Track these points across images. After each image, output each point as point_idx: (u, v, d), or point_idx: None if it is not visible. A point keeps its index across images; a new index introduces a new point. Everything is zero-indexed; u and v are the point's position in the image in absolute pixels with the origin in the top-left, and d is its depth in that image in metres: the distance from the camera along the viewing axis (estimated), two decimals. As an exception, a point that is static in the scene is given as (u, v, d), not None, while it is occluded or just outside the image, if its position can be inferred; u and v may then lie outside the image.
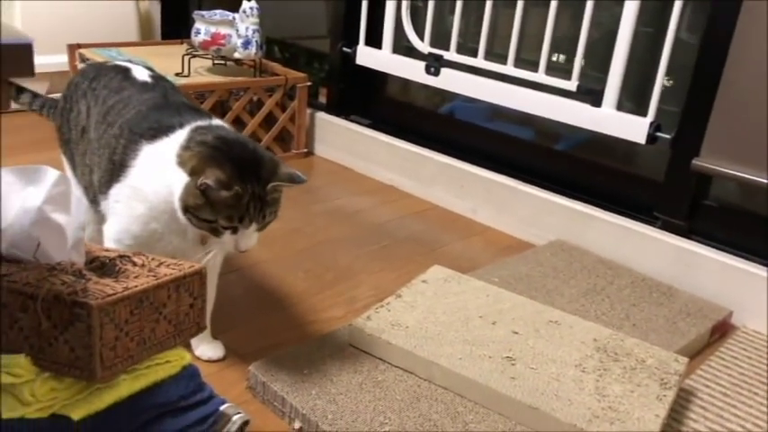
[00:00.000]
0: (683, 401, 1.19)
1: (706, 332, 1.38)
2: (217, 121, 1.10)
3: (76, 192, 0.83)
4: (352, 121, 2.22)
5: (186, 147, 1.01)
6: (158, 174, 1.03)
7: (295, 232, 1.73)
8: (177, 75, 1.97)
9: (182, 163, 1.00)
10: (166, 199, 1.02)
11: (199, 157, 0.99)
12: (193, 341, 1.19)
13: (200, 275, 0.85)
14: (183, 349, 0.85)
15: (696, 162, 1.49)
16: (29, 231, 0.79)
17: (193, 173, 0.98)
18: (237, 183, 0.97)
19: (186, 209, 0.99)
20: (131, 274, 0.82)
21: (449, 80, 1.92)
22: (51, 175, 0.81)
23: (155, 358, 0.81)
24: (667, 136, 1.55)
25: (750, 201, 1.57)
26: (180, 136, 1.04)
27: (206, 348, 1.21)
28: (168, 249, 1.07)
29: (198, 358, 1.19)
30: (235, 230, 1.01)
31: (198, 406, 0.83)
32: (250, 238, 1.04)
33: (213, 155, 0.99)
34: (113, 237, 1.08)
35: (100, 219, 1.13)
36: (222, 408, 0.87)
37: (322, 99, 2.35)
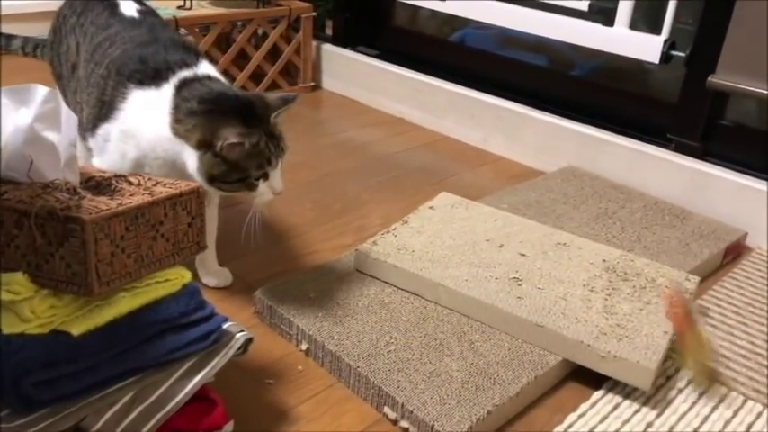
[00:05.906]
0: (693, 320, 1.18)
1: (719, 253, 1.36)
2: (202, 68, 1.07)
3: (66, 108, 0.81)
4: (359, 52, 2.18)
5: (177, 119, 0.99)
6: (150, 125, 1.01)
7: (302, 165, 1.71)
8: (179, 8, 1.93)
9: (181, 136, 0.99)
10: (159, 146, 1.01)
11: (200, 128, 0.98)
12: (200, 269, 1.20)
13: (197, 194, 0.84)
14: (183, 268, 0.85)
15: (712, 79, 1.43)
16: (21, 150, 0.78)
17: (202, 145, 0.97)
18: (250, 129, 0.97)
19: (212, 179, 0.98)
20: (127, 192, 0.81)
21: (457, 4, 1.86)
22: (41, 92, 0.79)
23: (154, 276, 0.81)
24: (682, 54, 1.50)
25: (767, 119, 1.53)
26: (167, 93, 1.01)
27: (213, 276, 1.21)
28: None
29: (205, 286, 1.20)
30: (266, 176, 1.01)
31: (199, 323, 0.83)
32: (279, 177, 1.04)
33: (210, 118, 0.98)
34: None
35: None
36: (225, 326, 0.87)
37: (329, 32, 2.29)
